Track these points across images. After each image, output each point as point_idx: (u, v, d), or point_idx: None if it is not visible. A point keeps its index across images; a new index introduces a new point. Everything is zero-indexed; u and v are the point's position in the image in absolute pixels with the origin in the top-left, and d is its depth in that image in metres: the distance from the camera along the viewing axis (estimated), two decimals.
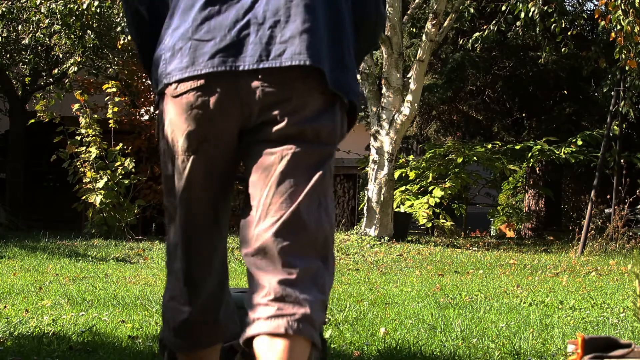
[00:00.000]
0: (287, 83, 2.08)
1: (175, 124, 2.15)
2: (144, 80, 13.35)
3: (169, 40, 2.15)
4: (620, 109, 10.89)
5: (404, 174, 14.11)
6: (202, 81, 2.08)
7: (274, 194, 2.10)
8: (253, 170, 2.14)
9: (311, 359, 2.05)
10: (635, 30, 9.40)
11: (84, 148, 10.44)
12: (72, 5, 10.99)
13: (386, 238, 11.12)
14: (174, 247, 2.29)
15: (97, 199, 10.21)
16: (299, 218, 2.08)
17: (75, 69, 11.86)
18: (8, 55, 13.06)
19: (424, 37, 11.42)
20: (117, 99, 10.97)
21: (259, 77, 2.07)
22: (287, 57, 2.06)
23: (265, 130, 2.11)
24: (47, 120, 10.83)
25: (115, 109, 10.80)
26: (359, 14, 2.23)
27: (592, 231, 11.00)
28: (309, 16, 2.08)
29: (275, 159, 2.11)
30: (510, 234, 17.01)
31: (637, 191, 11.38)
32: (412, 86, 11.27)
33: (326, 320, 2.29)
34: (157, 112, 2.25)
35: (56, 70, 12.54)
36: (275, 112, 2.09)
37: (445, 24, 11.45)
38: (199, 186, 2.20)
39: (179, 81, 2.11)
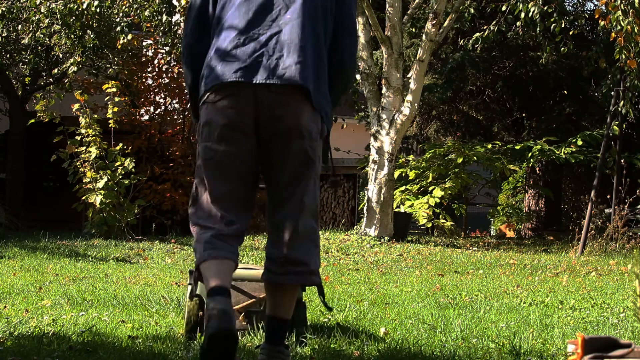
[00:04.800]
0: (287, 94, 3.12)
1: (214, 120, 3.15)
2: (144, 80, 13.35)
3: (210, 61, 3.18)
4: (620, 109, 10.88)
5: (404, 174, 14.11)
6: (231, 90, 3.11)
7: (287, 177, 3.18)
8: (270, 158, 3.17)
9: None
10: (635, 30, 9.39)
11: (84, 148, 10.43)
12: (72, 5, 10.98)
13: (386, 238, 11.12)
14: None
15: (97, 199, 10.20)
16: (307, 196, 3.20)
17: (75, 69, 11.86)
18: (8, 55, 13.06)
19: (424, 37, 11.42)
20: (117, 99, 10.97)
21: (268, 89, 3.11)
22: (285, 78, 3.10)
23: (274, 125, 3.12)
24: (47, 120, 10.82)
25: (115, 109, 10.80)
26: (337, 59, 3.28)
27: (592, 231, 10.99)
28: (302, 53, 3.14)
29: (284, 150, 3.14)
30: (510, 234, 17.00)
31: (637, 191, 11.37)
32: (412, 86, 11.27)
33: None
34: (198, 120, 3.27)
35: (56, 70, 12.54)
36: (279, 113, 3.12)
37: (445, 24, 11.44)
38: (231, 162, 3.16)
39: (215, 88, 3.12)
